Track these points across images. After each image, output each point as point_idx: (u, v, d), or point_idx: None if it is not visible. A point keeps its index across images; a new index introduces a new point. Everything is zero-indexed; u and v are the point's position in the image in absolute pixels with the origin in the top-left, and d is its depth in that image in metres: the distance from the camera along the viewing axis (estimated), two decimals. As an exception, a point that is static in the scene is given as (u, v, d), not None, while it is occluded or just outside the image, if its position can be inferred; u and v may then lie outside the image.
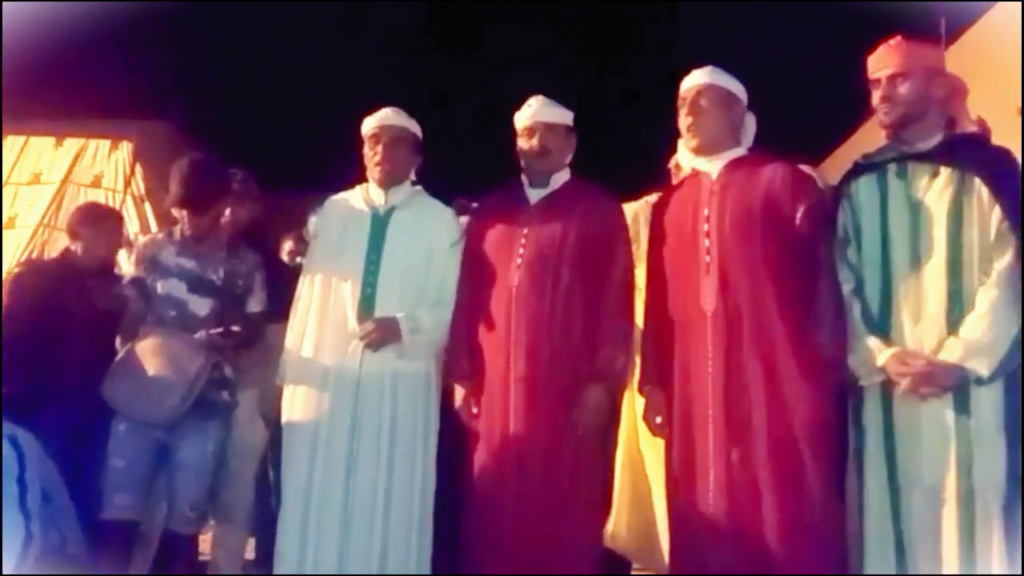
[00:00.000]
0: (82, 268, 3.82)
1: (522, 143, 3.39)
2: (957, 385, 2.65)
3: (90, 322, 3.66)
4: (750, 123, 3.18)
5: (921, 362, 2.67)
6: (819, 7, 4.90)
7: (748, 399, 2.89)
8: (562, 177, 3.40)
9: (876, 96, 2.86)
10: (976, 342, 2.62)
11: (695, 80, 3.12)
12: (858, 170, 2.96)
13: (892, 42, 2.87)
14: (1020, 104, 3.00)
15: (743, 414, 2.89)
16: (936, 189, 2.76)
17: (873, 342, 2.77)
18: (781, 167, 3.03)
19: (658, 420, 3.11)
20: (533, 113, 3.36)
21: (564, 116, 3.40)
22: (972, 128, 2.98)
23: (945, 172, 2.76)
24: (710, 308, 2.96)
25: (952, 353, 2.64)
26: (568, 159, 3.43)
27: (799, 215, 2.93)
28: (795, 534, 2.81)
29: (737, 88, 3.13)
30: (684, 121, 3.12)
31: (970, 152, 2.78)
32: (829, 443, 2.86)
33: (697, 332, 2.99)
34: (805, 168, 3.59)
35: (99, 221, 3.94)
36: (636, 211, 3.79)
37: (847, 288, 2.86)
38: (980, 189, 2.70)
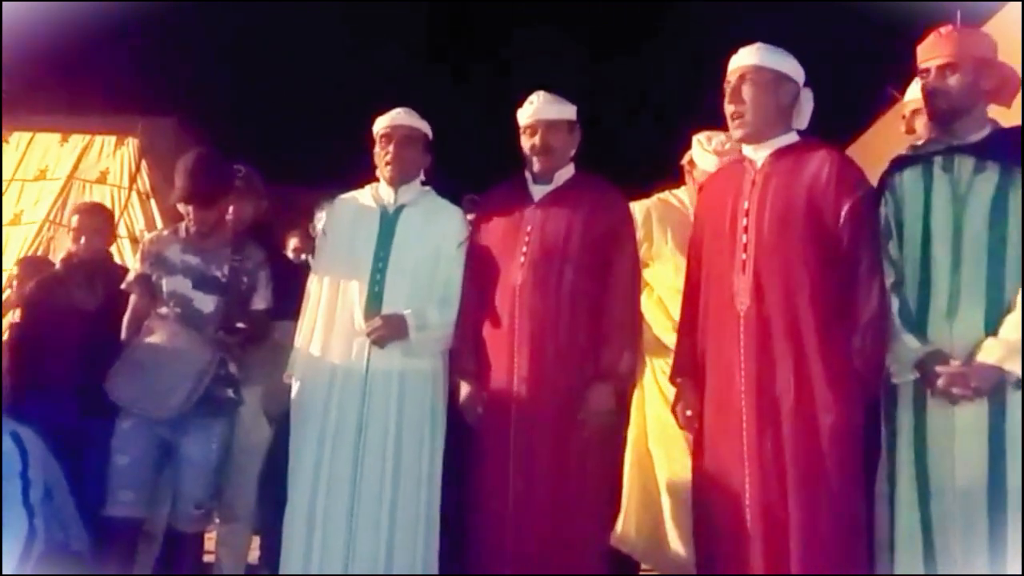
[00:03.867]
0: (76, 265, 3.88)
1: (524, 141, 3.37)
2: (993, 388, 2.58)
3: (88, 319, 3.68)
4: (806, 101, 2.95)
5: (956, 362, 2.60)
6: (831, 6, 4.88)
7: (779, 402, 2.79)
8: (566, 173, 3.38)
9: (925, 85, 2.79)
10: (1015, 343, 2.55)
11: (741, 61, 2.93)
12: (903, 162, 2.87)
13: (943, 30, 2.79)
14: (1022, 102, 2.92)
15: (775, 417, 2.79)
16: (981, 183, 2.69)
17: (909, 339, 2.69)
18: (829, 158, 2.84)
19: (688, 413, 3.01)
20: (535, 111, 3.34)
21: (566, 112, 3.38)
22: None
23: (991, 166, 2.68)
24: (743, 308, 2.86)
25: (991, 354, 2.57)
26: (571, 154, 3.40)
27: (843, 214, 2.78)
28: (820, 540, 2.73)
29: (788, 66, 2.92)
30: (728, 109, 2.94)
31: (1017, 146, 2.69)
32: (856, 450, 2.77)
33: (729, 330, 2.88)
34: None
35: (101, 221, 4.00)
36: (648, 208, 3.75)
37: (887, 282, 2.78)
38: None
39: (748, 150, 2.98)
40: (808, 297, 2.79)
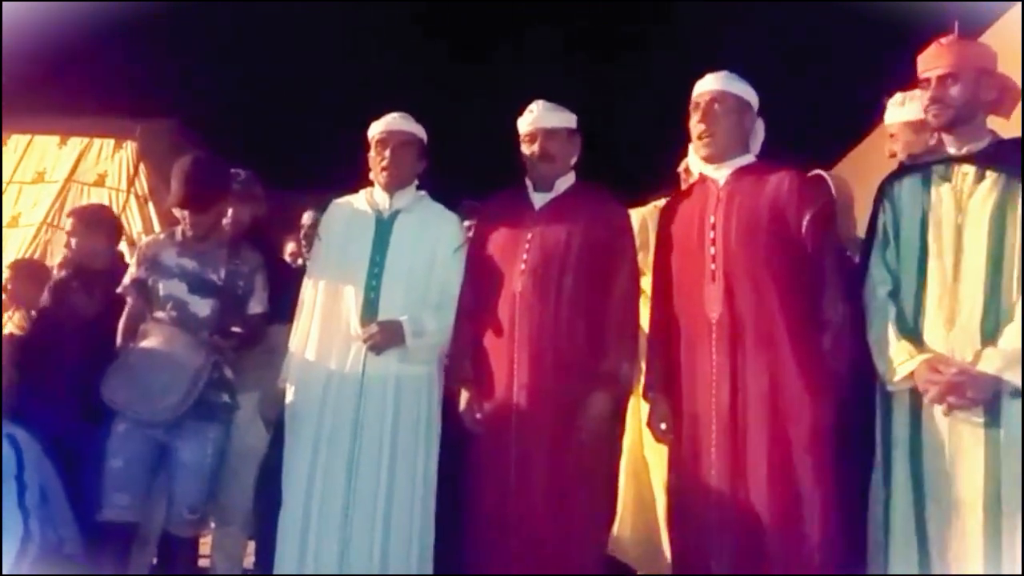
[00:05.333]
0: (77, 270, 3.87)
1: (524, 149, 3.38)
2: (989, 398, 2.57)
3: (85, 324, 3.68)
4: (759, 129, 3.14)
5: (953, 371, 2.60)
6: (829, 10, 4.87)
7: (751, 407, 2.88)
8: (567, 181, 3.39)
9: (925, 96, 2.79)
10: (1015, 352, 2.55)
11: (709, 86, 3.09)
12: (902, 171, 2.91)
13: (944, 40, 2.79)
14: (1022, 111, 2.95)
15: (747, 422, 2.89)
16: (980, 193, 2.69)
17: (905, 347, 2.70)
18: (788, 175, 3.00)
19: (663, 427, 3.09)
20: (534, 119, 3.36)
21: (566, 120, 3.39)
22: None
23: (991, 176, 2.69)
24: (715, 315, 2.96)
25: (990, 364, 2.57)
26: (572, 162, 3.41)
27: (805, 223, 2.92)
28: (796, 542, 2.80)
29: (750, 95, 3.10)
30: (696, 128, 3.09)
31: (1017, 157, 2.69)
32: (831, 452, 2.84)
33: (702, 339, 2.98)
34: (820, 172, 3.59)
35: (92, 223, 3.95)
36: (644, 217, 3.76)
37: (883, 290, 2.81)
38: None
39: (710, 170, 3.12)
40: (777, 300, 2.90)
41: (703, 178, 3.14)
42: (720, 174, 3.08)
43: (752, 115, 3.11)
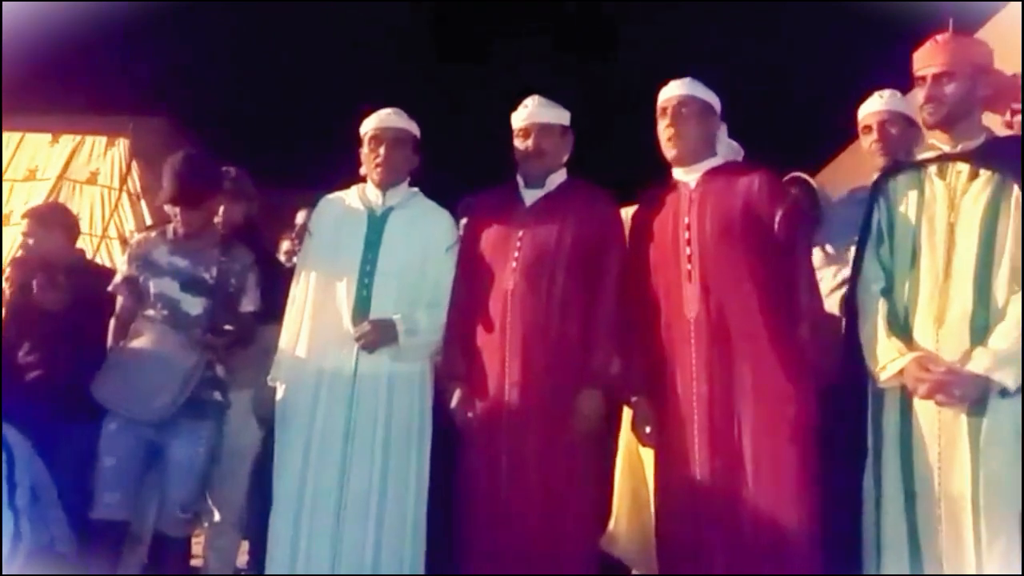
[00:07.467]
0: (38, 266, 3.82)
1: (518, 144, 3.37)
2: (977, 397, 2.58)
3: (55, 319, 3.65)
4: (723, 134, 3.22)
5: (942, 369, 2.61)
6: (823, 10, 4.88)
7: (732, 403, 2.93)
8: (558, 178, 3.38)
9: (921, 93, 2.79)
10: (1005, 353, 2.55)
11: (674, 91, 3.16)
12: (897, 168, 2.93)
13: (940, 38, 2.79)
14: (1020, 105, 2.95)
15: (727, 418, 2.93)
16: (974, 191, 2.70)
17: (895, 344, 2.71)
18: (758, 174, 3.06)
19: (647, 430, 3.12)
20: (529, 114, 3.35)
21: (560, 116, 3.38)
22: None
23: (985, 174, 2.69)
24: (692, 314, 3.00)
25: (980, 363, 2.57)
26: (564, 159, 3.41)
27: (777, 219, 2.97)
28: (780, 537, 2.82)
29: (713, 100, 3.18)
30: (665, 131, 3.16)
31: (1012, 155, 2.69)
32: (815, 445, 2.86)
33: (681, 338, 3.02)
34: (803, 176, 3.61)
35: (47, 221, 3.93)
36: (637, 214, 3.76)
37: (876, 287, 2.81)
38: (1018, 195, 2.63)
39: (680, 172, 3.18)
40: (754, 296, 2.95)
41: (674, 182, 3.18)
42: (691, 177, 3.13)
43: (716, 119, 3.19)
